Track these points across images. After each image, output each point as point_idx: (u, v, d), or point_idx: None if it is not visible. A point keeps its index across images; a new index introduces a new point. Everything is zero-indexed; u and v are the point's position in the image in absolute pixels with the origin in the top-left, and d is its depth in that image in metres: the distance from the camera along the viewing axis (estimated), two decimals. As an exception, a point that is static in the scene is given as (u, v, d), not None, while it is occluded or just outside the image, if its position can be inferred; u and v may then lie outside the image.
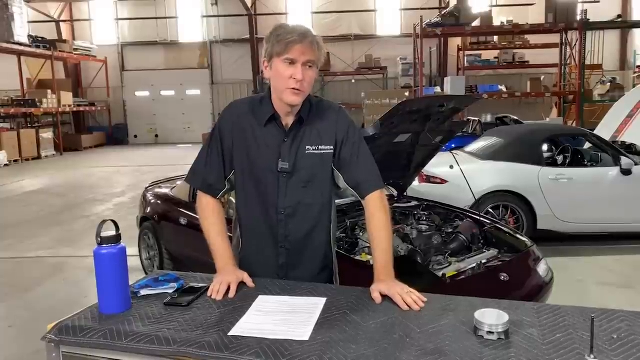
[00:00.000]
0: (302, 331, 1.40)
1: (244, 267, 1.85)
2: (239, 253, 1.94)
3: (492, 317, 1.36)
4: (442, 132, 3.81)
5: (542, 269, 3.34)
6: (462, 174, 4.31)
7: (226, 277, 1.72)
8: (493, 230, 3.68)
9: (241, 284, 1.73)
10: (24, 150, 15.94)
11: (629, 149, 6.27)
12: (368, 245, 3.30)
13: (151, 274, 1.88)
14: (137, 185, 10.30)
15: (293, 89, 1.71)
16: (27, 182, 11.95)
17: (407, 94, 14.68)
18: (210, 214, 1.88)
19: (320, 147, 1.81)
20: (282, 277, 1.87)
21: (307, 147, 1.81)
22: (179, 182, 5.11)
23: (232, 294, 1.67)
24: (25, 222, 7.76)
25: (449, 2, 18.47)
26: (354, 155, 1.83)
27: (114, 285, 1.55)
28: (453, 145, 6.99)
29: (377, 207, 1.81)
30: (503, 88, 14.94)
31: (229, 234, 1.93)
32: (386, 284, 1.64)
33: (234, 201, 1.96)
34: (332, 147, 1.82)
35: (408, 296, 1.57)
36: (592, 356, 1.21)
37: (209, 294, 1.67)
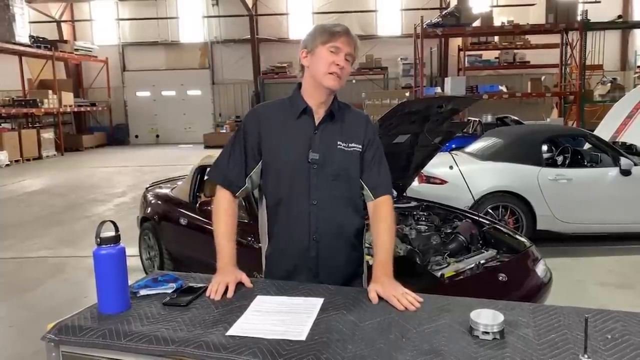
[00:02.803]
0: (300, 331, 1.42)
1: (275, 262, 1.90)
2: (265, 251, 1.98)
3: (487, 318, 1.37)
4: (441, 132, 3.82)
5: (540, 269, 3.34)
6: (462, 174, 4.32)
7: (224, 277, 1.73)
8: (492, 230, 3.69)
9: (239, 284, 1.75)
10: (25, 151, 15.96)
11: (629, 149, 6.28)
12: (368, 245, 3.31)
13: (150, 274, 1.90)
14: (137, 185, 10.31)
15: (333, 73, 1.81)
16: (28, 182, 11.98)
17: (407, 94, 14.68)
18: (222, 212, 1.91)
19: (350, 145, 1.88)
20: (314, 270, 1.89)
21: (339, 142, 1.87)
22: (179, 183, 5.13)
23: (230, 294, 1.68)
24: (26, 222, 7.78)
25: (449, 3, 18.47)
26: (376, 158, 1.92)
27: (113, 286, 1.56)
28: (453, 146, 7.02)
29: (388, 210, 1.89)
30: (503, 88, 14.92)
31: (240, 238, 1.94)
32: (382, 286, 1.66)
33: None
34: (361, 147, 1.90)
35: (403, 297, 1.59)
36: (585, 356, 1.22)
37: (207, 294, 1.68)
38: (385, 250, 1.82)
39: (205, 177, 4.29)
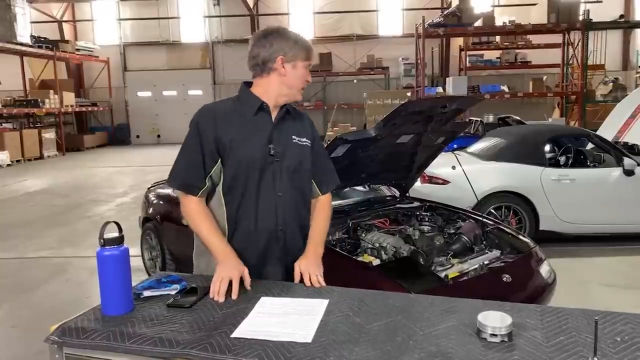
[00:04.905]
0: (305, 333, 1.41)
1: (241, 254, 1.85)
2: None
3: (495, 320, 1.36)
4: (444, 132, 3.80)
5: (544, 270, 3.33)
6: (465, 174, 4.31)
7: (228, 272, 1.72)
8: (495, 231, 3.67)
9: (241, 286, 1.73)
10: (26, 151, 15.97)
11: (632, 149, 6.25)
12: (371, 246, 3.30)
13: (154, 275, 1.89)
14: (139, 185, 10.30)
15: (303, 88, 1.99)
16: (29, 182, 11.97)
17: (408, 94, 14.64)
18: (196, 215, 1.91)
19: (302, 140, 1.99)
20: (283, 259, 1.93)
21: (293, 137, 1.96)
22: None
23: (234, 293, 1.67)
24: (28, 222, 7.77)
25: (450, 2, 18.43)
26: (321, 153, 2.08)
27: (117, 287, 1.55)
28: (455, 146, 6.99)
29: (329, 208, 2.09)
30: (505, 88, 14.88)
31: None
32: (307, 261, 1.86)
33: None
34: (310, 142, 2.01)
35: (314, 277, 1.80)
36: (595, 359, 1.20)
37: (210, 294, 1.67)
38: (322, 233, 2.02)
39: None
